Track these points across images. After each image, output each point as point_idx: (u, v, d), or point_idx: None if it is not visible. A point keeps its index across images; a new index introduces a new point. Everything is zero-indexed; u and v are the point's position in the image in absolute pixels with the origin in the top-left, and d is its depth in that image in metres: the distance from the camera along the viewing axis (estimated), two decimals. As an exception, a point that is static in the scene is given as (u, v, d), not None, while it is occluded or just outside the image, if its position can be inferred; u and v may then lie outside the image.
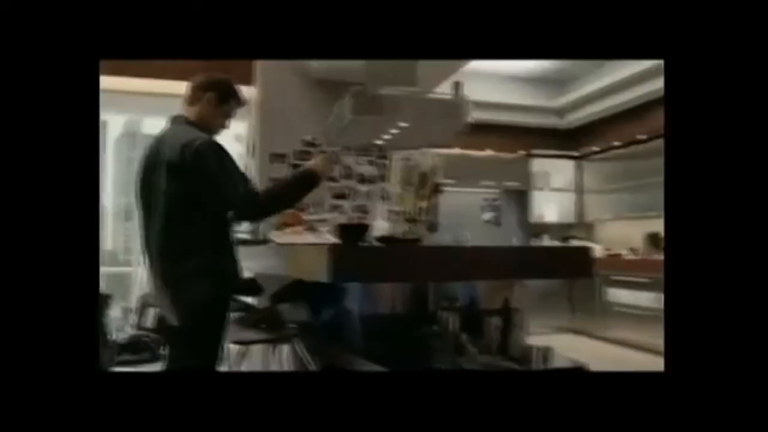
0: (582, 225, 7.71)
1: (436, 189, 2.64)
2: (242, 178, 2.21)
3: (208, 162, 2.15)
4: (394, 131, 3.53)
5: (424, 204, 2.60)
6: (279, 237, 2.79)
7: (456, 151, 7.14)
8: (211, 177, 2.15)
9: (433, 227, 2.62)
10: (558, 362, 2.11)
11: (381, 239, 2.27)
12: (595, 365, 5.36)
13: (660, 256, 6.06)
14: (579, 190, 7.68)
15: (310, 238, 2.66)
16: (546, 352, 2.13)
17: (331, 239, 2.50)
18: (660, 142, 6.18)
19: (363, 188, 5.26)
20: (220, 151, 2.19)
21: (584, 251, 2.10)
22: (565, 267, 2.07)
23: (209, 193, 2.19)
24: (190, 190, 2.16)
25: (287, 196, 2.36)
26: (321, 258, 1.97)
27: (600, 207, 7.29)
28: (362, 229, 2.33)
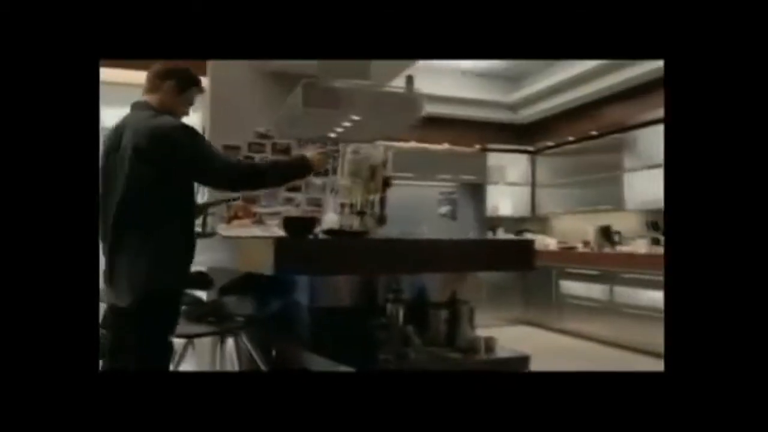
0: (536, 218, 7.83)
1: (386, 182, 2.64)
2: (217, 151, 2.24)
3: (182, 141, 2.15)
4: (346, 124, 3.52)
5: (373, 197, 2.60)
6: (225, 230, 2.75)
7: (413, 144, 7.17)
8: (187, 155, 2.15)
9: (382, 220, 2.62)
10: (501, 353, 2.13)
11: (327, 232, 2.26)
12: (546, 356, 5.49)
13: (611, 250, 6.21)
14: (533, 184, 7.80)
15: (256, 231, 2.64)
16: (489, 342, 2.16)
17: (279, 233, 2.48)
18: (610, 138, 6.33)
19: (317, 181, 5.23)
20: (190, 129, 2.20)
21: (526, 244, 2.13)
22: (508, 259, 2.10)
23: (181, 173, 2.19)
24: (159, 174, 2.13)
25: (275, 176, 2.36)
26: (267, 251, 1.96)
27: (554, 201, 7.42)
28: (309, 222, 2.32)
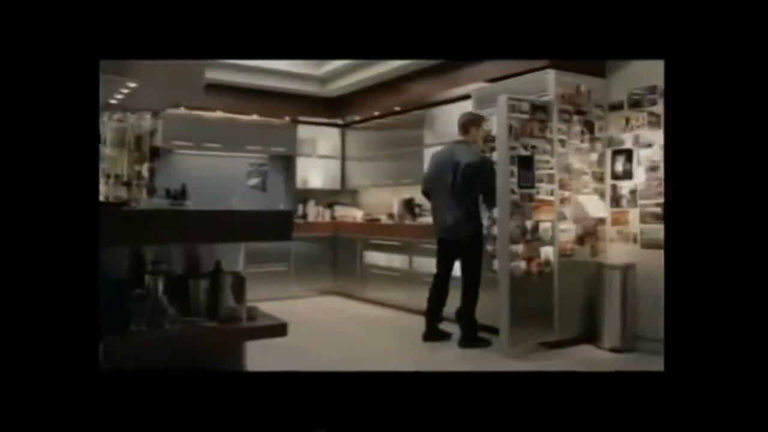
0: (346, 191, 8.01)
1: (154, 152, 2.53)
2: None
3: None
4: (124, 91, 3.30)
5: (140, 167, 2.47)
6: None
7: (220, 114, 6.95)
8: None
9: (151, 191, 2.51)
10: (262, 320, 2.15)
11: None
12: (349, 323, 5.69)
13: (412, 221, 6.53)
14: (344, 157, 7.95)
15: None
16: (252, 311, 2.17)
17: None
18: (412, 114, 6.61)
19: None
20: None
21: (284, 215, 2.16)
22: (267, 230, 2.11)
23: None
24: None
25: None
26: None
27: (362, 174, 7.62)
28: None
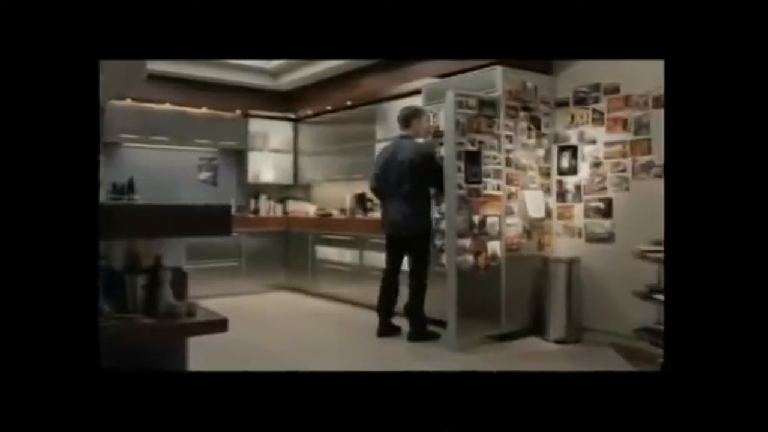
0: (299, 186, 7.96)
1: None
2: None
3: None
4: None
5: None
6: None
7: (168, 107, 6.81)
8: None
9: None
10: (202, 316, 2.12)
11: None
12: (299, 319, 5.66)
13: (363, 216, 6.54)
14: (296, 151, 7.89)
15: None
16: (191, 308, 2.14)
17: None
18: (364, 109, 6.61)
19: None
20: None
21: (223, 209, 2.13)
22: (205, 225, 2.08)
23: None
24: None
25: None
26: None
27: (315, 168, 7.58)
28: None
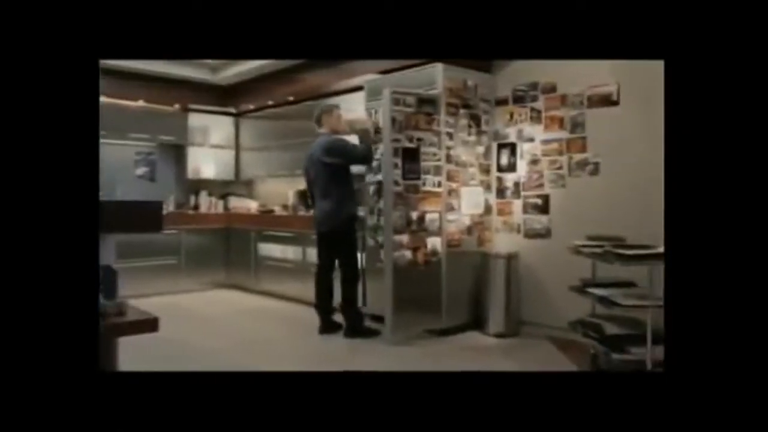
0: (241, 182, 7.83)
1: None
2: None
3: None
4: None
5: None
6: None
7: (104, 99, 6.57)
8: None
9: None
10: (132, 315, 2.06)
11: None
12: (240, 316, 5.57)
13: (306, 212, 6.48)
14: (238, 147, 7.76)
15: None
16: (122, 308, 2.07)
17: None
18: (306, 105, 6.54)
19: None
20: None
21: (154, 206, 2.08)
22: (135, 221, 2.02)
23: None
24: None
25: None
26: None
27: (257, 164, 7.47)
28: None
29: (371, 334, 4.61)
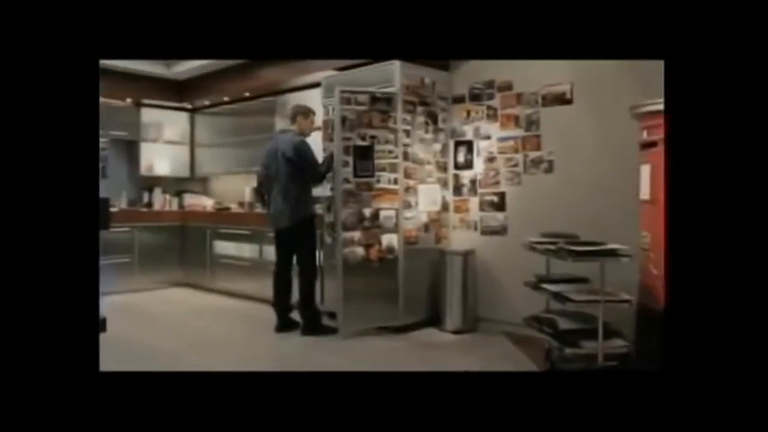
0: (196, 179, 7.69)
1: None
2: None
3: None
4: None
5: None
6: None
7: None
8: None
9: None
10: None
11: None
12: (194, 316, 5.47)
13: (262, 210, 6.40)
14: (193, 143, 7.61)
15: None
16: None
17: None
18: (263, 101, 6.47)
19: None
20: None
21: (103, 203, 2.04)
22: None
23: None
24: None
25: None
26: None
27: (213, 161, 7.35)
28: None
29: (328, 331, 4.58)
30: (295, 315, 4.79)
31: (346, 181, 4.47)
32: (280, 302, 4.80)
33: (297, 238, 4.68)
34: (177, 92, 7.21)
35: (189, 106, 7.46)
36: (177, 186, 7.51)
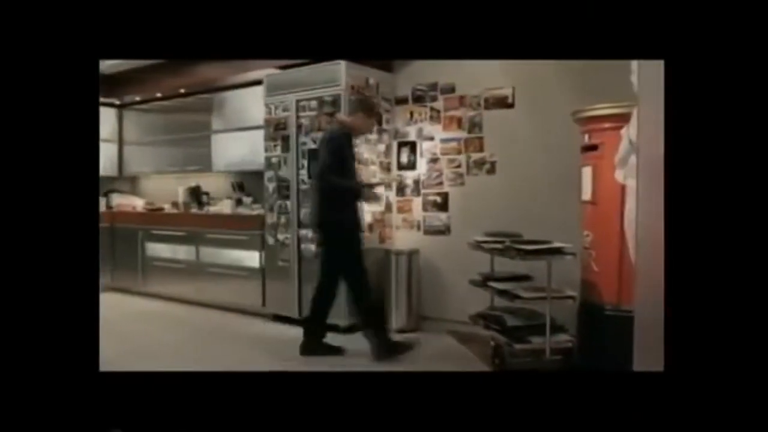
0: (125, 178, 7.40)
1: None
2: None
3: None
4: None
5: None
6: None
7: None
8: None
9: None
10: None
11: None
12: (128, 321, 5.27)
13: (198, 210, 6.24)
14: (121, 141, 7.32)
15: None
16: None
17: None
18: (199, 98, 6.31)
19: None
20: None
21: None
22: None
23: None
24: None
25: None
26: None
27: (143, 160, 7.09)
28: None
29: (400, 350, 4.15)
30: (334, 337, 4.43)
31: (302, 182, 4.74)
32: (311, 318, 4.28)
33: (326, 245, 4.17)
34: (104, 87, 6.89)
35: (117, 102, 7.16)
36: (103, 185, 7.18)
